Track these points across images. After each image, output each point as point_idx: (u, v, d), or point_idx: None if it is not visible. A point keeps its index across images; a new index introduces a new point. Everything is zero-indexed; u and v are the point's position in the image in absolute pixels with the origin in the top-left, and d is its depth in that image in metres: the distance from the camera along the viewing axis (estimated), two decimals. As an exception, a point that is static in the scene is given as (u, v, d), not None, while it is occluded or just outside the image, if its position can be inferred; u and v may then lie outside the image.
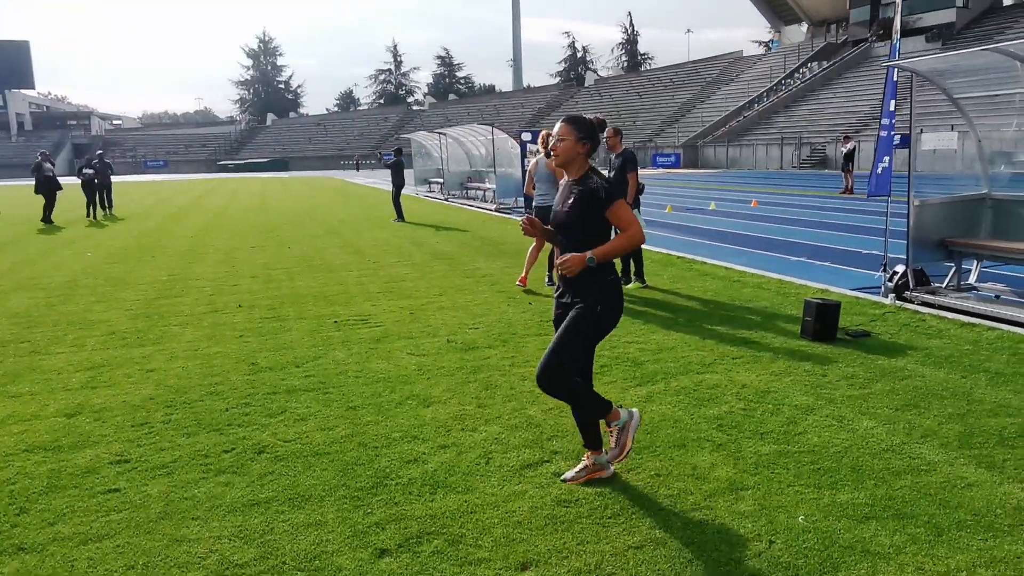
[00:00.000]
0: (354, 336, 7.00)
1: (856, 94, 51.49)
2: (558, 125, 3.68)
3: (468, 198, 26.09)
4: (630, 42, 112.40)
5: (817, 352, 6.02)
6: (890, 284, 7.86)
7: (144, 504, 3.71)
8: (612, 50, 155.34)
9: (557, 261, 3.54)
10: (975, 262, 7.83)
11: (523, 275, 9.22)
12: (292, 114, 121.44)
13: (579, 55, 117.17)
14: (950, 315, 7.05)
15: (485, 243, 13.89)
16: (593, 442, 3.86)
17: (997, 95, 7.21)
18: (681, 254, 11.53)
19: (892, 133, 7.77)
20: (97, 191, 22.73)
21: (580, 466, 3.89)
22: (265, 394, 5.36)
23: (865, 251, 11.60)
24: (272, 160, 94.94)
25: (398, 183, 19.50)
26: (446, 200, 26.80)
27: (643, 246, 9.22)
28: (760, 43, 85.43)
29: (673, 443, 4.28)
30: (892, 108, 7.54)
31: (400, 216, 19.17)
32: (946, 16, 51.88)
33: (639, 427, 3.94)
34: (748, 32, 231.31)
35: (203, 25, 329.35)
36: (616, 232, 3.62)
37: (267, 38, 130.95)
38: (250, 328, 7.43)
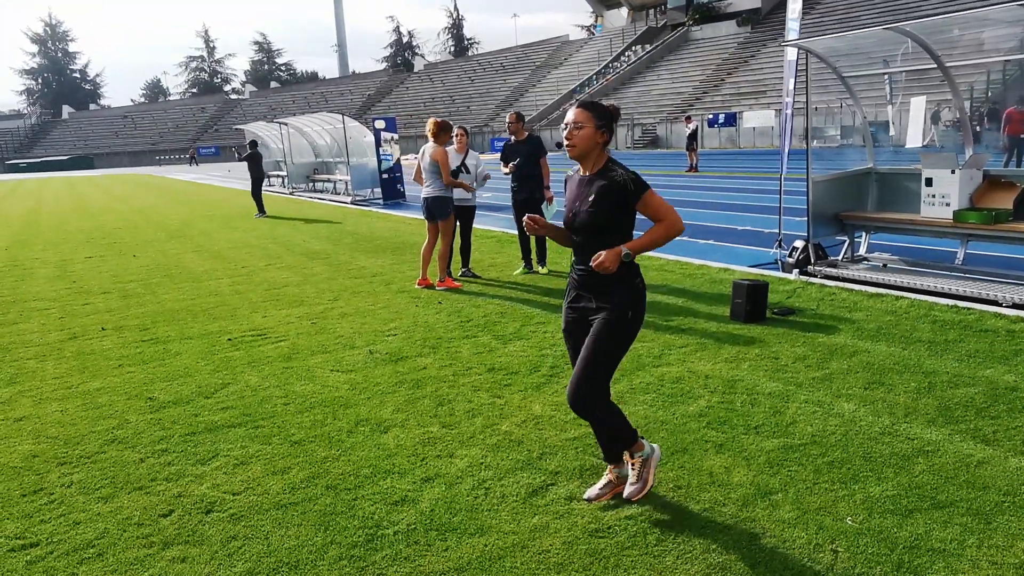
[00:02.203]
0: (259, 355, 6.20)
1: (679, 76, 54.40)
2: (572, 111, 3.26)
3: (315, 191, 24.80)
4: (456, 27, 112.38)
5: (756, 334, 6.01)
6: (791, 260, 8.09)
7: (83, 602, 2.93)
8: (438, 35, 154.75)
9: (593, 262, 3.13)
10: (863, 234, 8.22)
11: (421, 276, 8.67)
12: (92, 106, 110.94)
13: (405, 40, 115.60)
14: (854, 286, 7.34)
15: (358, 239, 13.10)
16: (615, 456, 3.53)
17: (881, 74, 7.54)
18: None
19: (791, 112, 7.95)
20: None
21: (603, 482, 3.56)
22: (182, 436, 4.55)
23: (740, 227, 12.04)
24: (73, 158, 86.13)
25: (257, 176, 18.51)
26: (290, 194, 25.33)
27: (522, 234, 9.07)
28: (583, 27, 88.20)
29: (673, 448, 4.02)
30: (792, 87, 7.70)
31: (261, 210, 18.30)
32: (753, 2, 55.82)
33: (659, 462, 3.57)
34: (570, 16, 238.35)
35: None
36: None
37: (54, 21, 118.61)
38: (128, 355, 6.41)
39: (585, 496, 3.48)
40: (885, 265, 7.95)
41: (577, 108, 3.26)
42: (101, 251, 13.26)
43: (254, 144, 18.99)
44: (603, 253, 3.12)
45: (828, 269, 7.75)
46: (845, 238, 8.08)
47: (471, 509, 3.49)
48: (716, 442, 4.06)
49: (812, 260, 7.88)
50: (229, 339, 6.74)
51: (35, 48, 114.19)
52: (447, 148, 8.96)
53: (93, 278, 10.40)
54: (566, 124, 3.27)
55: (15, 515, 3.65)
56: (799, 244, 8.07)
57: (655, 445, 3.62)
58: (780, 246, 8.81)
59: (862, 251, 8.23)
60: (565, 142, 3.26)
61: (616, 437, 3.42)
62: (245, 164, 18.76)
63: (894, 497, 3.38)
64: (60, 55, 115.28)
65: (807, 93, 7.58)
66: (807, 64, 7.50)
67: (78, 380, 5.77)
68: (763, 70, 47.81)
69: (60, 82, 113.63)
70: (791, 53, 7.66)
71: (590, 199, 3.24)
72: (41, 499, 3.81)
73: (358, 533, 3.33)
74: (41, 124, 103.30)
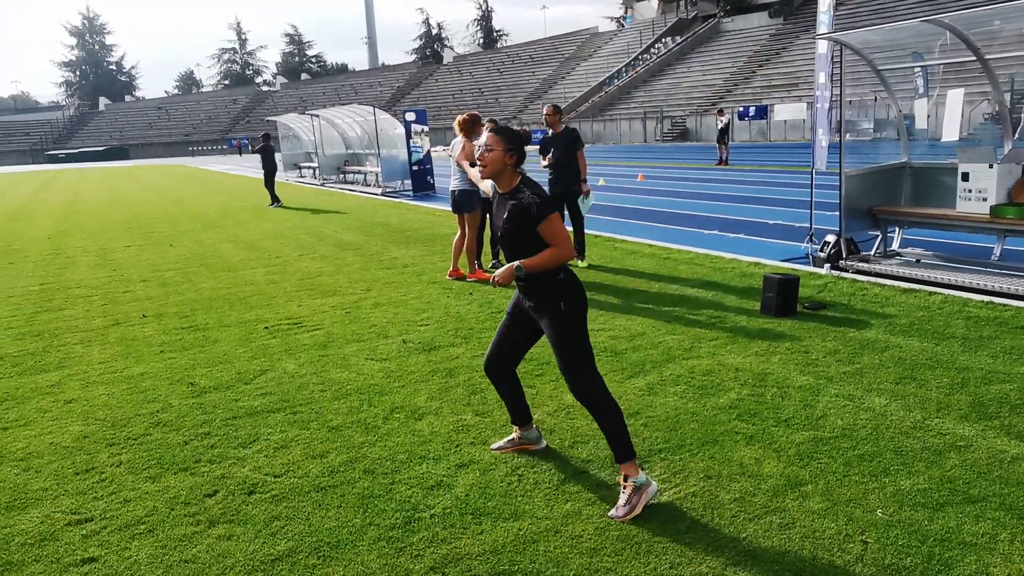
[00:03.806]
0: (295, 343, 6.35)
1: (709, 68, 53.86)
2: (485, 134, 3.53)
3: (346, 182, 25.03)
4: (485, 18, 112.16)
5: (787, 328, 6.02)
6: (822, 254, 8.06)
7: (136, 575, 3.06)
8: (467, 26, 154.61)
9: (491, 281, 3.54)
10: (896, 229, 8.16)
11: (452, 267, 8.77)
12: (128, 98, 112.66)
13: (434, 32, 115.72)
14: (886, 282, 7.30)
15: (389, 230, 13.25)
16: (625, 454, 3.43)
17: (917, 67, 7.48)
18: (595, 232, 11.44)
19: (827, 105, 7.90)
20: None
21: (625, 495, 3.38)
22: (223, 420, 4.69)
23: (771, 222, 11.97)
24: (110, 148, 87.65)
25: (269, 168, 19.14)
26: (321, 185, 25.60)
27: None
28: (613, 19, 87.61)
29: (703, 439, 4.07)
30: (823, 81, 7.66)
31: (274, 200, 18.90)
32: (785, -7, 55.02)
33: (652, 498, 3.43)
34: (599, 8, 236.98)
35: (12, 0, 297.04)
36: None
37: (92, 14, 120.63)
38: (168, 341, 6.59)
39: (610, 515, 3.35)
40: (918, 260, 7.88)
41: (489, 133, 3.53)
42: (139, 240, 13.56)
43: (267, 137, 19.59)
44: (499, 271, 3.46)
45: (860, 264, 7.71)
46: (878, 233, 8.03)
47: (505, 495, 3.58)
48: (746, 434, 4.11)
49: (844, 255, 7.85)
50: (266, 327, 6.90)
51: (73, 41, 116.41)
52: (478, 141, 9.03)
53: (132, 267, 10.65)
54: (478, 147, 3.53)
55: (70, 492, 3.81)
56: (831, 238, 8.04)
57: (655, 482, 3.50)
58: (811, 240, 8.77)
59: (895, 246, 8.17)
60: (478, 163, 3.52)
61: (614, 439, 3.44)
62: (263, 156, 19.39)
63: (925, 491, 3.40)
64: (97, 48, 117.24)
65: (840, 86, 7.53)
66: (841, 57, 7.45)
67: (122, 365, 5.96)
68: (795, 62, 47.18)
69: (97, 74, 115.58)
70: (822, 46, 7.60)
71: (504, 216, 3.54)
72: (93, 477, 3.97)
73: (396, 515, 3.43)
74: (79, 115, 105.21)
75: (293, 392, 5.13)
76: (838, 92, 7.99)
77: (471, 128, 8.16)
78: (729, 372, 5.09)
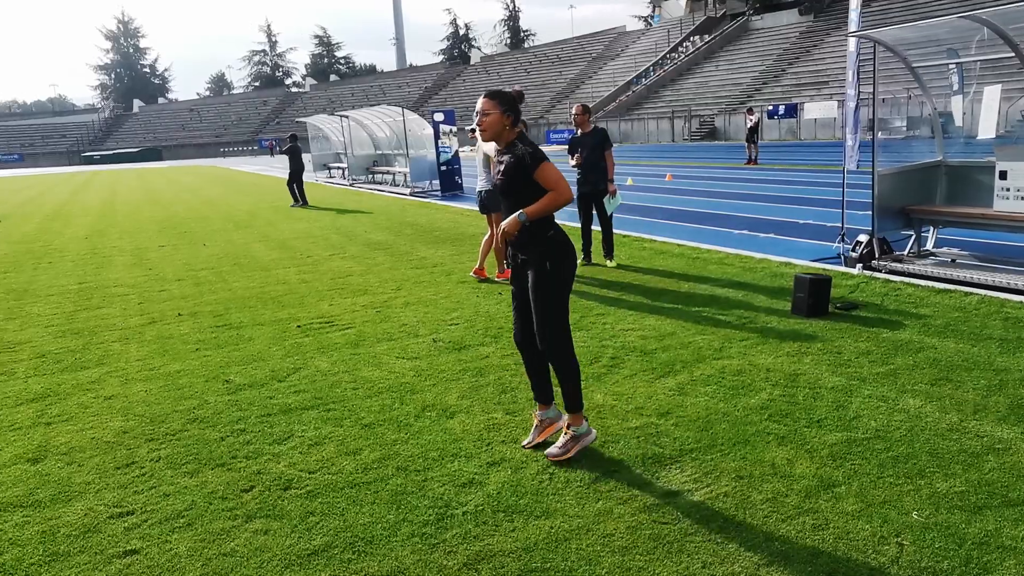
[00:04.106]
0: (327, 342, 6.43)
1: (738, 66, 53.40)
2: (480, 100, 3.77)
3: (375, 183, 25.22)
4: (512, 18, 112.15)
5: (819, 329, 5.97)
6: (854, 254, 7.97)
7: (177, 567, 3.14)
8: (495, 27, 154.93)
9: (500, 225, 3.80)
10: (931, 228, 8.05)
11: (478, 266, 8.80)
12: (161, 100, 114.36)
13: (462, 33, 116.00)
14: (920, 282, 7.20)
15: (418, 230, 13.33)
16: (575, 404, 3.91)
17: (951, 64, 7.37)
18: (624, 232, 11.41)
19: (855, 105, 7.82)
20: None
21: (564, 440, 3.92)
22: (258, 416, 4.77)
23: (802, 221, 11.86)
24: (143, 149, 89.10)
25: (296, 168, 19.40)
26: (350, 185, 25.81)
27: (584, 226, 9.12)
28: (640, 18, 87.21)
29: (735, 440, 4.06)
30: (852, 78, 7.58)
31: (297, 201, 19.25)
32: (816, -10, 54.37)
33: (589, 446, 3.97)
34: (627, 7, 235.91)
35: (50, 4, 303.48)
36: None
37: (126, 18, 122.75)
38: (204, 339, 6.71)
39: (523, 444, 4.03)
40: (954, 260, 7.77)
41: (484, 98, 3.76)
42: (173, 240, 13.79)
43: (294, 138, 19.85)
44: (506, 222, 3.73)
45: (893, 264, 7.61)
46: (911, 232, 7.92)
47: (536, 493, 3.60)
48: (778, 434, 4.09)
49: (876, 255, 7.75)
50: (298, 326, 6.99)
51: (108, 44, 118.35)
52: None
53: (167, 266, 10.85)
54: (476, 113, 3.76)
55: (112, 486, 3.91)
56: (863, 238, 7.94)
57: (594, 431, 4.01)
58: (843, 240, 8.68)
59: (929, 246, 8.06)
60: (478, 128, 3.73)
61: (569, 393, 3.88)
62: (291, 156, 19.63)
63: (962, 493, 3.37)
64: (132, 51, 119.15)
65: (874, 84, 7.44)
66: (874, 55, 7.36)
67: (159, 362, 6.08)
68: (825, 60, 46.59)
69: (131, 77, 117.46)
70: (851, 44, 7.52)
71: (502, 168, 3.81)
72: (133, 472, 4.06)
73: (429, 512, 3.47)
74: (114, 117, 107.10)
75: (326, 390, 5.21)
76: (870, 90, 7.90)
77: None
78: (760, 372, 5.06)
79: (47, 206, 24.58)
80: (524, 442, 4.13)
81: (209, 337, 6.78)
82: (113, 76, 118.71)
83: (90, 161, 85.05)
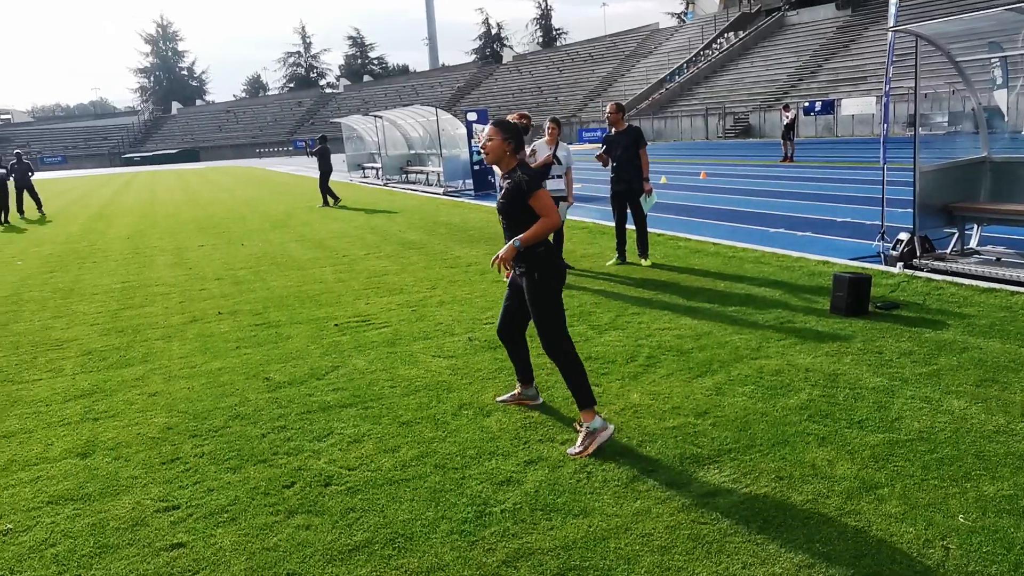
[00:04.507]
0: (364, 340, 6.50)
1: (773, 62, 52.72)
2: (487, 127, 4.20)
3: (408, 182, 25.39)
4: (544, 17, 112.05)
5: (858, 328, 5.88)
6: (894, 253, 7.84)
7: (222, 561, 3.21)
8: (527, 26, 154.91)
9: (493, 262, 4.27)
10: (975, 226, 7.88)
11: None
12: (199, 102, 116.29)
13: (494, 32, 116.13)
14: (964, 281, 7.06)
15: (452, 229, 13.40)
16: (585, 401, 4.10)
17: (994, 58, 7.21)
18: (658, 231, 11.34)
19: (886, 100, 7.68)
20: (17, 193, 21.57)
21: (581, 438, 4.08)
22: (299, 414, 4.85)
23: (840, 219, 11.68)
24: (181, 151, 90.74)
25: (325, 169, 19.64)
26: (384, 185, 26.02)
27: (618, 225, 9.07)
28: (673, 15, 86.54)
29: (774, 440, 4.03)
30: (892, 74, 7.44)
31: (326, 201, 19.51)
32: (853, -16, 53.45)
33: (606, 441, 4.06)
34: (660, 4, 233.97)
35: (92, 9, 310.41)
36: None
37: (165, 22, 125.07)
38: (244, 338, 6.82)
39: (498, 399, 4.69)
40: (999, 259, 7.59)
41: (490, 126, 4.21)
42: (212, 240, 14.04)
43: (323, 139, 20.11)
44: (502, 251, 4.13)
45: (935, 263, 7.47)
46: (954, 230, 7.77)
47: (574, 491, 3.61)
48: (818, 435, 4.05)
49: (918, 253, 7.61)
50: (336, 324, 7.08)
51: (148, 48, 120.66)
52: (539, 140, 9.08)
53: (207, 265, 11.05)
54: (481, 137, 4.23)
55: (157, 480, 4.00)
56: (904, 236, 7.80)
57: (611, 425, 4.13)
58: (883, 239, 8.54)
59: (973, 244, 7.89)
60: (482, 150, 4.21)
61: (574, 390, 4.12)
62: (320, 157, 19.84)
63: (1010, 497, 3.30)
64: (170, 54, 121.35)
65: (915, 79, 7.30)
66: (916, 49, 7.22)
67: (201, 360, 6.20)
68: (863, 55, 45.79)
69: (170, 79, 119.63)
70: (891, 38, 7.38)
71: (502, 192, 4.20)
72: (178, 467, 4.15)
73: (467, 509, 3.50)
74: (153, 119, 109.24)
75: (364, 388, 5.27)
76: (908, 84, 7.75)
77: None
78: (799, 372, 5.01)
79: (91, 207, 25.16)
80: (499, 397, 4.84)
81: (249, 335, 6.89)
82: (152, 79, 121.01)
83: (130, 162, 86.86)
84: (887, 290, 6.98)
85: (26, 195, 22.03)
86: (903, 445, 3.86)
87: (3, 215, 20.47)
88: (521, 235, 4.08)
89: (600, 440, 4.02)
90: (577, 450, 4.02)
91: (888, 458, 3.73)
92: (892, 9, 7.47)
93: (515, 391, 4.78)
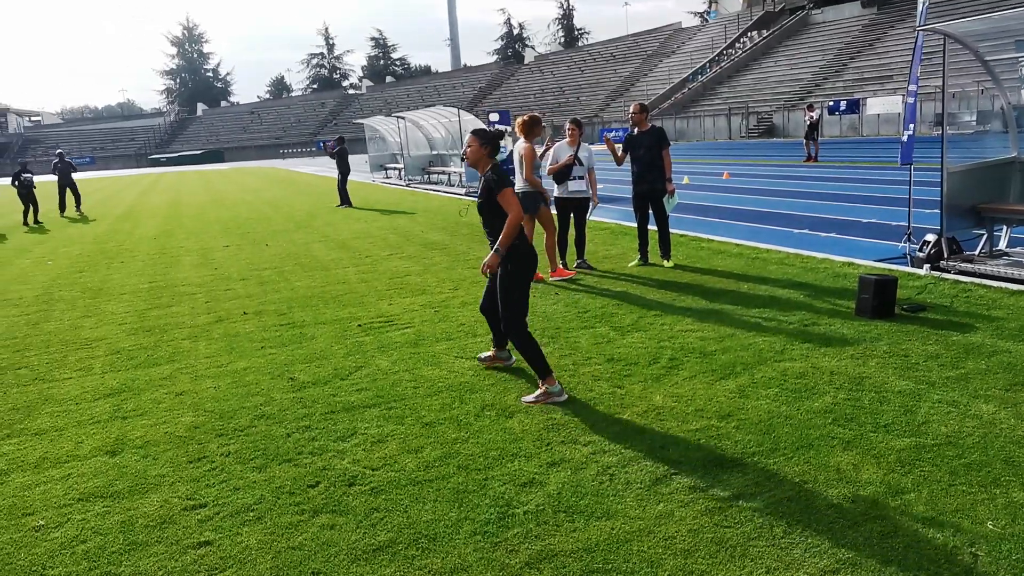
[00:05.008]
0: (387, 340, 6.54)
1: (798, 62, 52.27)
2: (468, 136, 4.99)
3: (430, 183, 25.48)
4: (566, 17, 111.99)
5: (884, 331, 5.82)
6: (921, 254, 7.75)
7: (248, 559, 3.25)
8: (548, 26, 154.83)
9: (482, 270, 5.01)
10: (1004, 227, 7.77)
11: (553, 268, 8.76)
12: (223, 103, 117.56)
13: (515, 32, 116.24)
14: (992, 283, 6.96)
15: (474, 230, 13.43)
16: (543, 372, 4.87)
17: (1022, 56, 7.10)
18: (681, 232, 11.29)
19: (916, 100, 7.58)
20: (60, 192, 22.38)
21: (538, 392, 4.89)
22: (323, 414, 4.89)
23: (865, 220, 11.56)
24: (206, 152, 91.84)
25: (344, 170, 19.81)
26: (406, 186, 26.13)
27: (640, 226, 9.04)
28: (696, 14, 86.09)
29: (798, 444, 4.00)
30: (919, 74, 7.36)
31: (345, 202, 19.71)
32: (879, -18, 52.85)
33: (557, 402, 4.82)
34: (682, 3, 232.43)
35: (120, 12, 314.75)
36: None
37: (191, 24, 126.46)
38: (268, 338, 6.89)
39: (522, 399, 4.90)
40: (1029, 261, 7.48)
41: (470, 135, 5.02)
42: (237, 240, 14.19)
43: (342, 140, 20.34)
44: (484, 262, 4.91)
45: (963, 264, 7.37)
46: (983, 232, 7.66)
47: (597, 494, 3.62)
48: (843, 439, 4.02)
49: (945, 254, 7.52)
50: (359, 325, 7.13)
51: (174, 50, 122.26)
52: (560, 141, 9.08)
53: (232, 265, 11.17)
54: (464, 144, 5.13)
55: (184, 479, 4.06)
56: (931, 237, 7.71)
57: (567, 395, 4.87)
58: (909, 240, 8.44)
59: (1002, 245, 7.78)
60: (464, 155, 5.02)
61: (534, 355, 4.88)
62: (339, 159, 20.01)
63: (1039, 503, 3.26)
64: (196, 56, 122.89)
65: (943, 78, 7.21)
66: (944, 48, 7.13)
67: (227, 360, 6.28)
68: (889, 54, 45.25)
69: (195, 81, 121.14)
70: (919, 38, 7.29)
71: (480, 188, 5.03)
72: (204, 466, 4.21)
73: (490, 511, 3.52)
74: (178, 121, 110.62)
75: (387, 388, 5.30)
76: (935, 84, 7.65)
77: (530, 130, 8.11)
78: (823, 375, 4.97)
79: (118, 207, 25.52)
80: (481, 355, 5.67)
81: (273, 335, 6.97)
82: (178, 81, 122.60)
83: (156, 163, 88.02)
84: (914, 292, 6.90)
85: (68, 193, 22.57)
86: (930, 450, 3.82)
87: (25, 216, 20.81)
88: (498, 242, 4.79)
89: (552, 400, 4.80)
90: (530, 399, 4.85)
91: (915, 463, 3.69)
92: (920, 8, 7.38)
93: (491, 352, 5.61)
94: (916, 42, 7.41)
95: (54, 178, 22.73)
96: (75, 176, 23.21)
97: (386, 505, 3.64)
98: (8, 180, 22.58)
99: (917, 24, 7.33)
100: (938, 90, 7.79)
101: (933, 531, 3.10)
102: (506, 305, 4.90)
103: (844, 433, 4.09)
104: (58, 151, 25.07)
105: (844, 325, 6.07)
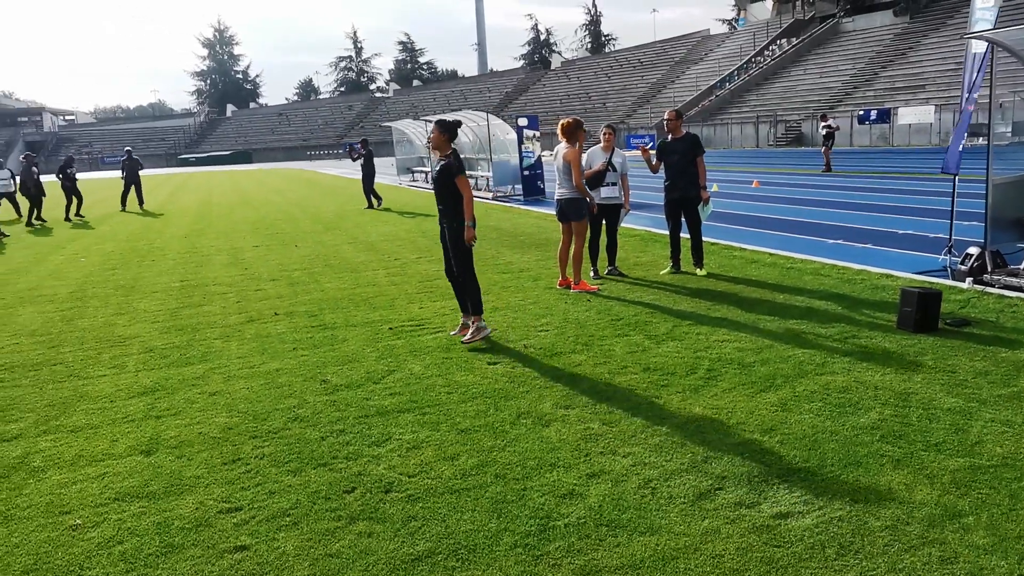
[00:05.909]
0: (419, 344, 6.49)
1: (828, 70, 51.73)
2: (431, 126, 6.32)
3: (457, 186, 25.45)
4: (593, 23, 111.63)
5: (928, 345, 5.67)
6: (963, 267, 7.57)
7: (285, 566, 3.20)
8: (576, 31, 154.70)
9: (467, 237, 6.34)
10: (1051, 242, 7.56)
11: (562, 277, 8.67)
12: (252, 104, 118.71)
13: (543, 38, 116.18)
14: (1039, 299, 6.77)
15: (502, 234, 13.38)
16: (479, 308, 6.46)
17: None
18: (712, 240, 11.15)
19: (971, 109, 7.41)
20: (124, 187, 23.13)
21: (471, 329, 6.43)
22: (356, 418, 4.85)
23: (901, 231, 11.35)
24: (235, 152, 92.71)
25: (369, 172, 20.16)
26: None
27: (672, 233, 8.92)
28: (724, 21, 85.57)
29: (846, 461, 3.89)
30: (972, 83, 7.18)
31: (371, 203, 20.08)
32: (913, -10, 52.15)
33: (485, 335, 6.37)
34: (710, 10, 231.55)
35: (154, 14, 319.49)
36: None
37: (222, 27, 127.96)
38: (300, 339, 6.88)
39: (463, 339, 6.39)
40: (1076, 276, 7.27)
41: (433, 125, 6.31)
42: (266, 241, 14.25)
43: (365, 142, 20.64)
44: (466, 233, 6.29)
45: (1008, 278, 7.18)
46: (1029, 246, 7.46)
47: (639, 508, 3.53)
48: (893, 457, 3.89)
49: (989, 268, 7.33)
50: (390, 328, 7.09)
51: (205, 52, 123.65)
52: (595, 147, 8.99)
53: (262, 266, 11.20)
54: (429, 134, 6.48)
55: (219, 481, 4.03)
56: (973, 250, 7.53)
57: (488, 329, 6.49)
58: (950, 252, 8.25)
59: (1049, 260, 7.56)
60: (427, 142, 5.72)
61: (471, 299, 6.43)
62: (366, 161, 20.32)
63: (1105, 530, 3.12)
64: (226, 58, 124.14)
65: (991, 88, 7.04)
66: (992, 57, 6.96)
67: (259, 360, 6.26)
68: (922, 63, 44.61)
69: (225, 83, 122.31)
70: (976, 46, 7.12)
71: (438, 171, 6.28)
72: (239, 468, 4.18)
73: (530, 522, 3.44)
74: (208, 121, 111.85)
75: (421, 393, 5.25)
76: (975, 93, 7.47)
77: (572, 133, 8.02)
78: (868, 390, 4.84)
79: (150, 206, 25.78)
80: (452, 332, 6.74)
81: (305, 337, 6.95)
82: (208, 82, 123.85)
83: (186, 163, 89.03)
84: (956, 306, 6.73)
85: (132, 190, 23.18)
86: (986, 471, 3.69)
87: (67, 210, 21.09)
88: (466, 216, 6.20)
89: (483, 334, 6.39)
90: (468, 338, 6.34)
91: (971, 484, 3.57)
92: (986, 14, 7.15)
93: (460, 322, 6.75)
94: (968, 51, 7.23)
95: (119, 174, 23.18)
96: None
97: (424, 513, 3.58)
98: (52, 176, 23.01)
99: (967, 32, 7.17)
100: (965, 99, 7.59)
101: (996, 558, 2.98)
102: (456, 256, 6.41)
103: (893, 451, 3.96)
104: (127, 148, 25.55)
105: (886, 339, 5.92)
